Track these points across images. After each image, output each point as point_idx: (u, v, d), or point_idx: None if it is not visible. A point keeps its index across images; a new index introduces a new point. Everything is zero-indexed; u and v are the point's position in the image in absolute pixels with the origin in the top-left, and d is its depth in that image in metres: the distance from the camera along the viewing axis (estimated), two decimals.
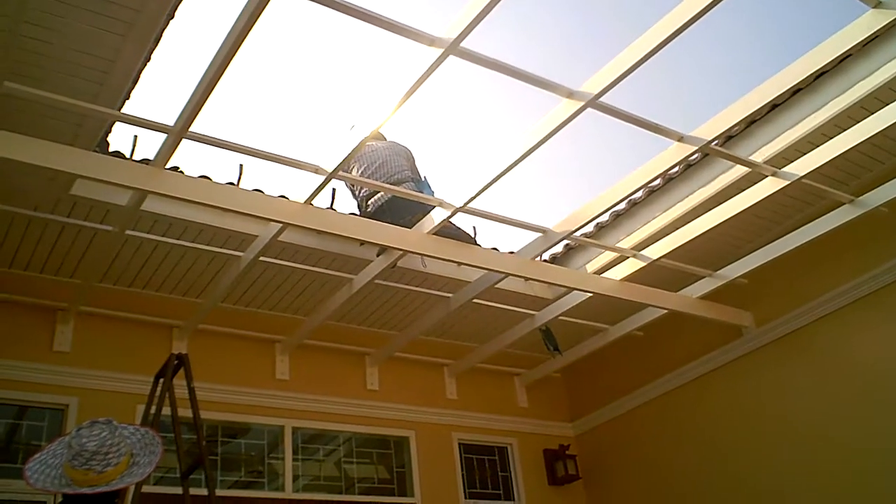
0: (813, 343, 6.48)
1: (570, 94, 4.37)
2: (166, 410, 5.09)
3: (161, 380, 5.24)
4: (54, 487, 2.92)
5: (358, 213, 6.10)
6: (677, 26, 3.89)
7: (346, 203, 6.34)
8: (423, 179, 6.14)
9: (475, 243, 5.77)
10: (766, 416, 6.68)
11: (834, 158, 5.13)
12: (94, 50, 4.00)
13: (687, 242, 5.91)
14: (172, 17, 3.97)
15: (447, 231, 5.62)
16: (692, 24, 3.86)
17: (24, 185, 4.87)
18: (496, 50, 4.06)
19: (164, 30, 3.99)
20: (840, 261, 6.25)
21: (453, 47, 3.89)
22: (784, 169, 5.29)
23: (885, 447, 5.80)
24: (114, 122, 4.65)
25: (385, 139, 6.64)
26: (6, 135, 4.06)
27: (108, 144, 4.88)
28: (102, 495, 2.88)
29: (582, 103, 4.34)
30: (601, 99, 4.35)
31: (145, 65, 4.19)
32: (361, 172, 6.04)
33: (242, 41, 3.72)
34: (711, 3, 3.74)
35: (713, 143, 4.83)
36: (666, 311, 6.72)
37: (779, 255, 6.15)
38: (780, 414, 6.58)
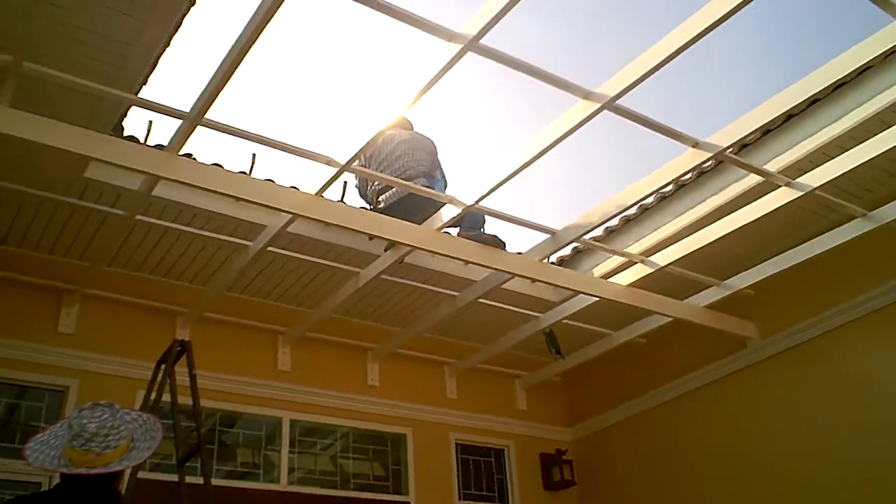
0: (818, 357, 6.48)
1: (587, 95, 4.40)
2: (166, 397, 5.12)
3: (163, 366, 5.28)
4: (52, 466, 2.95)
5: (367, 207, 6.13)
6: (697, 31, 3.90)
7: (355, 197, 6.37)
8: (437, 176, 6.16)
9: (504, 248, 5.78)
10: (767, 429, 6.69)
11: (849, 171, 5.13)
12: (113, 33, 4.03)
13: (696, 250, 5.91)
14: (194, 4, 4.00)
15: (477, 237, 5.64)
16: (712, 29, 3.88)
17: (38, 166, 4.91)
18: (512, 48, 4.09)
19: (184, 15, 4.02)
20: (850, 275, 6.25)
21: (472, 44, 3.92)
22: (798, 180, 5.30)
23: (891, 465, 5.80)
24: (130, 107, 4.67)
25: (412, 128, 6.64)
26: (22, 115, 4.08)
27: (123, 128, 4.92)
28: (99, 477, 2.90)
29: (598, 105, 4.36)
30: (618, 101, 4.38)
31: (164, 50, 4.22)
32: (378, 163, 6.05)
33: (262, 30, 3.74)
34: (733, 8, 3.76)
35: (728, 151, 4.84)
36: (671, 318, 6.73)
37: (788, 267, 6.15)
38: (782, 427, 6.59)
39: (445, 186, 6.13)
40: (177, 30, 4.13)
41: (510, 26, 3.88)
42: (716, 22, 3.84)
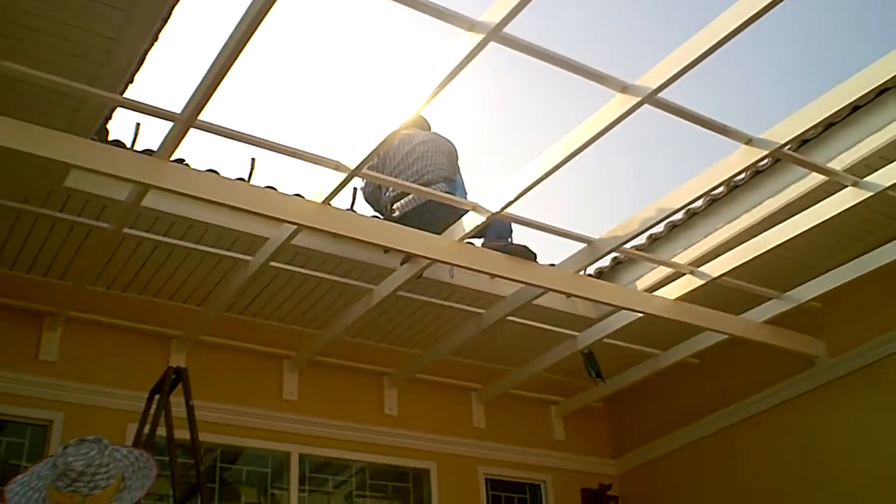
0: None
1: (625, 88, 4.38)
2: (161, 431, 5.15)
3: (157, 396, 5.32)
4: None
5: (380, 216, 6.14)
6: (748, 16, 3.86)
7: (366, 205, 6.38)
8: (456, 180, 6.16)
9: (535, 260, 5.77)
10: (839, 458, 6.63)
11: None
12: (94, 26, 4.05)
13: (752, 259, 5.86)
14: None
15: (504, 247, 5.64)
16: (765, 13, 3.84)
17: (13, 175, 4.95)
18: (536, 38, 4.09)
19: (174, 5, 4.03)
20: None
21: (495, 32, 3.91)
22: (866, 179, 5.25)
23: None
24: (115, 108, 4.70)
25: (429, 127, 6.66)
26: None
27: (107, 132, 4.95)
28: None
29: (638, 98, 4.34)
30: (660, 95, 4.35)
31: (152, 44, 4.23)
32: (394, 167, 6.06)
33: (261, 21, 3.76)
34: None
35: (786, 148, 4.81)
36: (726, 336, 6.69)
37: (857, 277, 6.09)
38: (855, 455, 6.52)
39: (465, 196, 6.12)
40: (165, 22, 4.14)
41: (533, 15, 3.87)
42: (769, 5, 3.81)
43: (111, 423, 5.85)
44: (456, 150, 6.46)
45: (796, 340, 6.83)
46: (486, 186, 6.43)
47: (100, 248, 5.50)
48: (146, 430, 5.16)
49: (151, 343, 6.47)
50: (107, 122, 4.85)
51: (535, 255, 5.77)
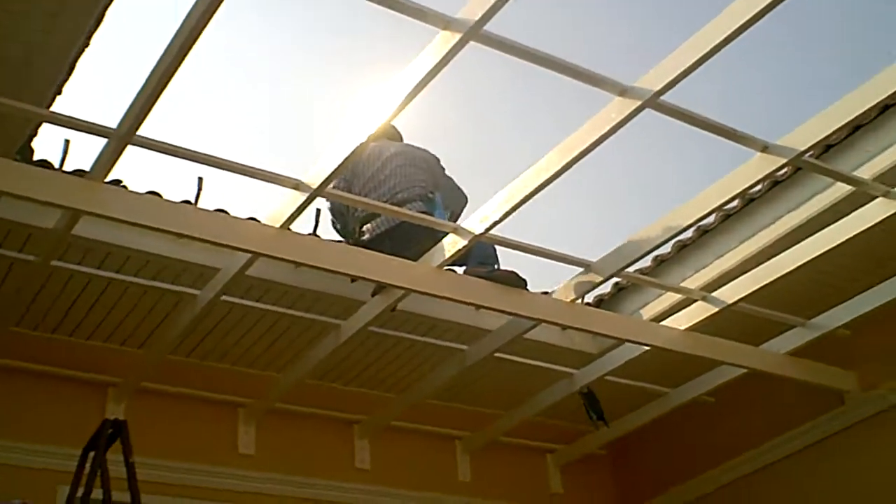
0: None
1: (624, 91, 4.42)
2: (97, 493, 5.11)
3: (91, 453, 5.27)
4: None
5: (348, 241, 6.16)
6: (763, 5, 3.91)
7: (331, 229, 6.40)
8: (435, 199, 6.17)
9: (525, 287, 5.79)
10: None
11: None
12: (17, 31, 4.07)
13: (772, 282, 5.88)
14: None
15: (490, 274, 5.67)
16: (777, 4, 3.89)
17: None
18: (520, 38, 4.13)
19: (108, 5, 4.05)
20: None
21: (475, 31, 3.94)
22: None
23: None
24: (40, 124, 4.71)
25: (401, 139, 6.72)
26: None
27: (31, 151, 4.95)
28: None
29: (638, 102, 4.37)
30: (662, 98, 4.39)
31: (83, 50, 4.26)
32: (363, 185, 6.09)
33: (207, 21, 3.75)
34: None
35: (807, 155, 4.85)
36: (744, 370, 6.71)
37: (893, 299, 6.13)
38: None
39: (466, 202, 6.31)
40: (99, 23, 4.17)
41: (517, 12, 3.91)
42: None
43: (38, 486, 5.81)
44: (436, 159, 6.50)
45: (824, 374, 6.85)
46: (467, 206, 6.48)
47: (24, 284, 5.49)
48: (79, 492, 5.13)
49: (85, 392, 6.44)
50: (31, 139, 4.86)
51: (525, 282, 5.78)
